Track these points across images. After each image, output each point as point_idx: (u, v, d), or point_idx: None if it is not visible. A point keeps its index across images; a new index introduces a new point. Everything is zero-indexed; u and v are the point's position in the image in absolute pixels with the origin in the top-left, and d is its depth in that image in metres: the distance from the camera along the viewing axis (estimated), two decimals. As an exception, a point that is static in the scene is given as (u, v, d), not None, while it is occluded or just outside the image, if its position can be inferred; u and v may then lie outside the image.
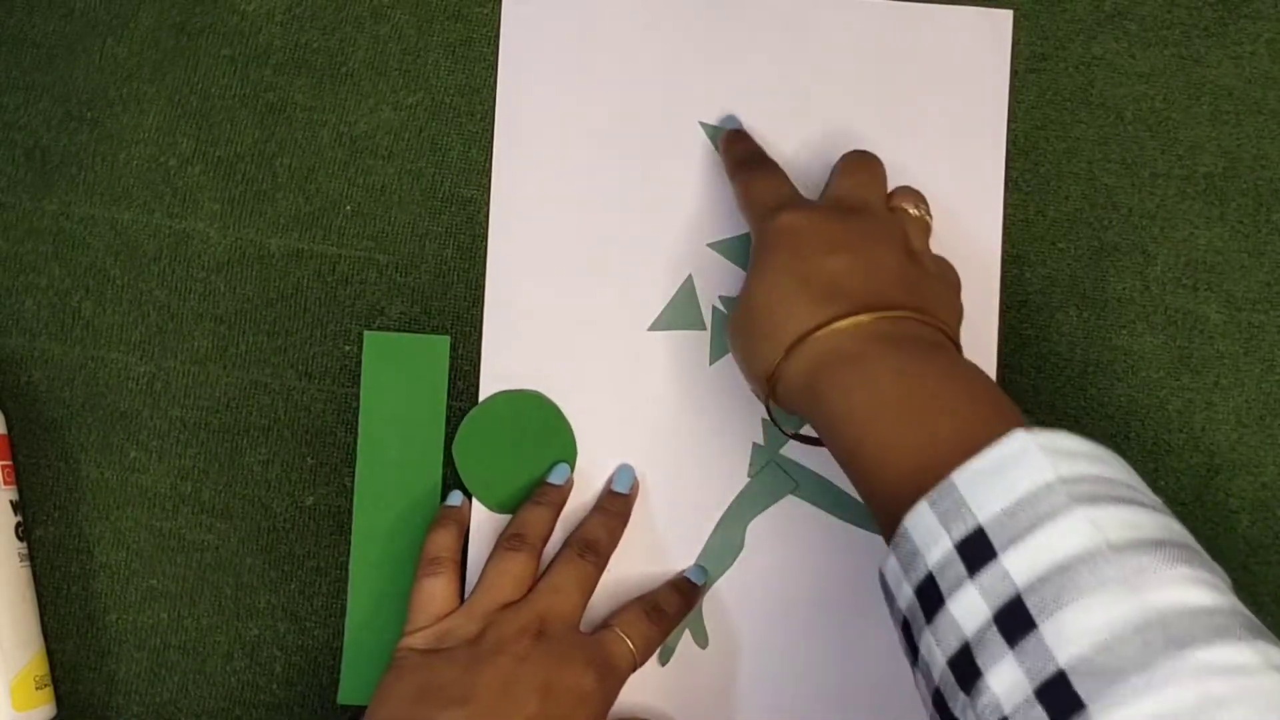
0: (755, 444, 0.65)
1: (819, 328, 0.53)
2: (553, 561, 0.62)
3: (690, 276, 0.65)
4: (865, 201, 0.59)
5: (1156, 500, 0.46)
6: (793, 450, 0.64)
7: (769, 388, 0.55)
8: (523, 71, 0.65)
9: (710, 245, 0.65)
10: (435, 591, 0.60)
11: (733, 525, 0.64)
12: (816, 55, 0.66)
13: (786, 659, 0.64)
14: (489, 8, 0.66)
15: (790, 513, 0.64)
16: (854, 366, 0.52)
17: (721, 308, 0.65)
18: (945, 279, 0.59)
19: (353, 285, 0.65)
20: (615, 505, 0.63)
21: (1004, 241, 0.65)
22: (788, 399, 0.55)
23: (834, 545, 0.64)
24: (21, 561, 0.61)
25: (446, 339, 0.64)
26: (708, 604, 0.64)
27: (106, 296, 0.65)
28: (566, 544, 0.62)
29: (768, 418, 0.63)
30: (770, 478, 0.64)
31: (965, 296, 0.64)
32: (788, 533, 0.64)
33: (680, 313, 0.65)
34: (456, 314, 0.65)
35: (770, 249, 0.57)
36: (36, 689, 0.60)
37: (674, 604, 0.62)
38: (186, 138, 0.65)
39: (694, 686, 0.64)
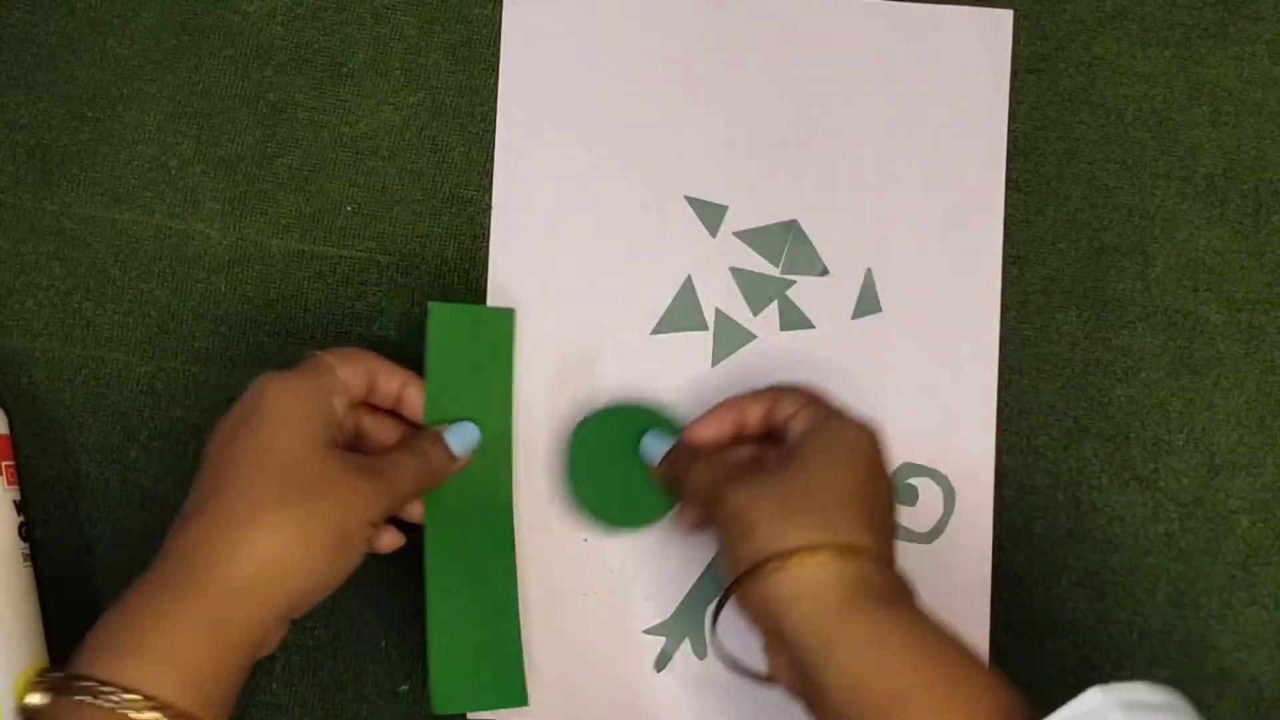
0: (756, 444, 0.65)
1: (844, 551, 0.52)
2: None
3: (690, 277, 0.65)
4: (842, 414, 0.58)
5: None
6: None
7: (740, 576, 0.53)
8: (524, 73, 0.66)
9: (737, 234, 0.65)
10: None
11: None
12: (817, 55, 0.66)
13: None
14: (490, 9, 0.66)
15: None
16: (871, 614, 0.51)
17: (726, 311, 0.65)
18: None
19: (353, 285, 0.65)
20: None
21: (1004, 241, 0.65)
22: (757, 603, 0.53)
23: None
24: (25, 561, 0.61)
25: (514, 311, 0.63)
26: (709, 616, 0.64)
27: (107, 296, 0.65)
28: None
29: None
30: None
31: (966, 296, 0.65)
32: None
33: (682, 314, 0.65)
34: (457, 314, 0.65)
35: (847, 450, 0.56)
36: (38, 688, 0.60)
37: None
38: (188, 137, 0.65)
39: (689, 694, 0.64)
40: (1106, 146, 0.66)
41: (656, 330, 0.65)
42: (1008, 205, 0.66)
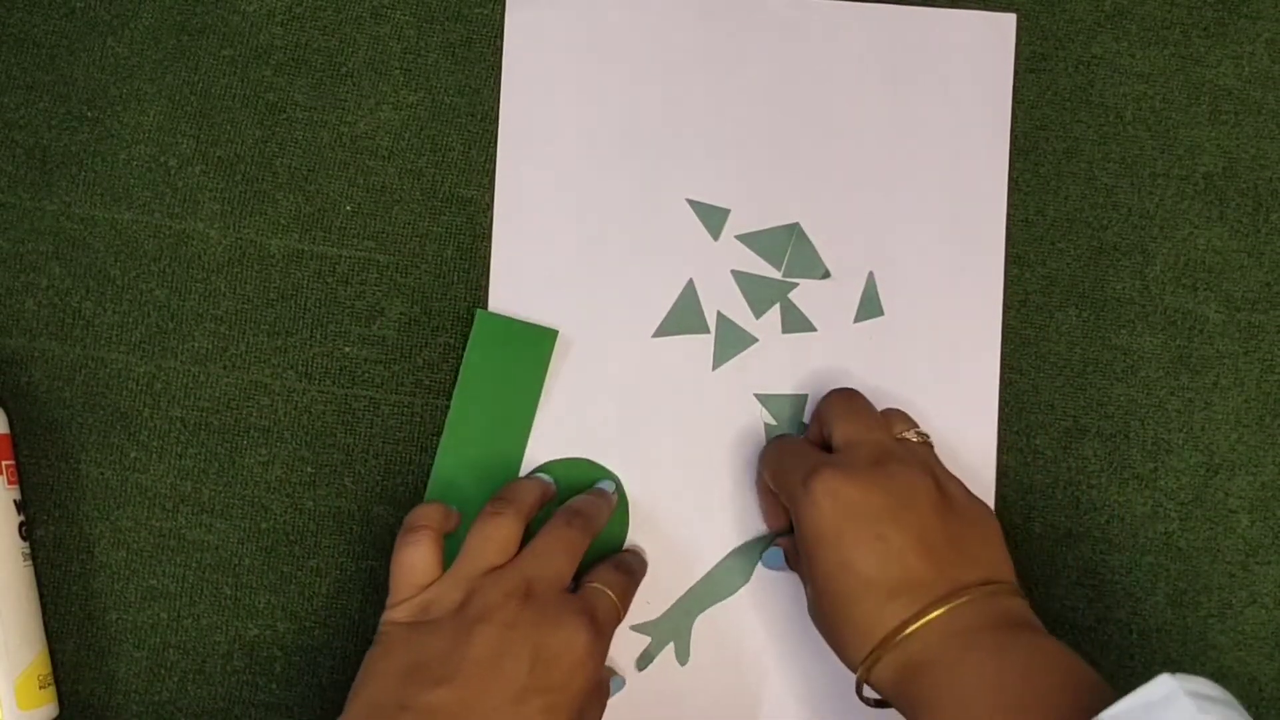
0: (759, 446, 0.65)
1: (897, 632, 0.54)
2: (540, 530, 0.60)
3: (691, 280, 0.65)
4: (882, 446, 0.59)
5: None
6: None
7: (862, 674, 0.56)
8: (526, 74, 0.65)
9: (739, 237, 0.65)
10: (416, 561, 0.58)
11: (743, 556, 0.64)
12: (819, 58, 0.66)
13: (760, 692, 0.64)
14: (489, 8, 0.66)
15: None
16: (941, 670, 0.53)
17: (728, 314, 0.65)
18: (980, 518, 0.58)
19: (353, 285, 0.65)
20: (599, 494, 0.63)
21: (1005, 241, 0.65)
22: (881, 689, 0.56)
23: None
24: (25, 561, 0.61)
25: (556, 331, 0.64)
26: (698, 625, 0.64)
27: (107, 296, 0.65)
28: (555, 514, 0.61)
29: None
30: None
31: (968, 299, 0.65)
32: (795, 576, 0.64)
33: (683, 317, 0.65)
34: (456, 314, 0.65)
35: (825, 535, 0.56)
36: (40, 688, 0.60)
37: (635, 562, 0.63)
38: (187, 137, 0.65)
39: (664, 698, 0.64)
40: (1106, 146, 0.66)
41: (658, 333, 0.65)
42: (1008, 205, 0.66)
